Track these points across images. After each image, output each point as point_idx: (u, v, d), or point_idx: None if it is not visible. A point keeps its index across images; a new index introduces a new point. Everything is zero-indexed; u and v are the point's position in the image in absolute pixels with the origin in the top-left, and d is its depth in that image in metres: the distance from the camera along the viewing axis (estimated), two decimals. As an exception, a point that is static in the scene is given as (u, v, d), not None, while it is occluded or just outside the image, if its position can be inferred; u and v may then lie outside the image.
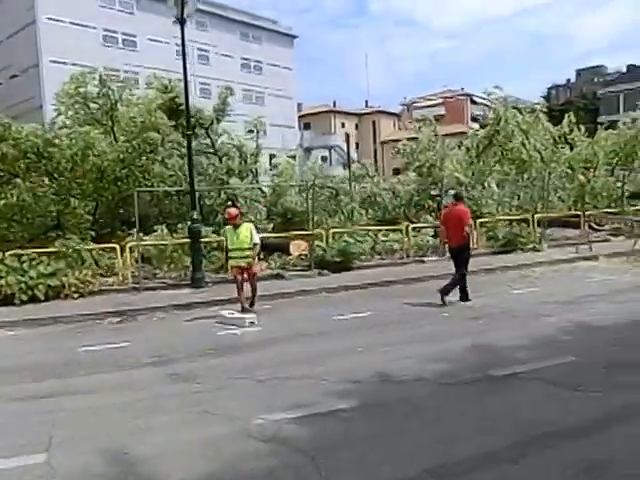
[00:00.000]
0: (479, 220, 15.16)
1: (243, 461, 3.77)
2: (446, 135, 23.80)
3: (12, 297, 10.07)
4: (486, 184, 18.33)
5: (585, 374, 5.28)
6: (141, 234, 12.10)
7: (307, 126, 55.46)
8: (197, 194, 13.62)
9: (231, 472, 3.66)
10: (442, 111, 56.05)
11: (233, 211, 9.33)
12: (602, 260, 13.42)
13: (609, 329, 6.96)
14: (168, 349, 7.01)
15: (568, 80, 74.96)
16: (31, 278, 10.28)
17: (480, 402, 4.74)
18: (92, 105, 15.22)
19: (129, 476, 3.68)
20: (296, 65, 48.64)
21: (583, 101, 59.49)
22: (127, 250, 11.74)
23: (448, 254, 9.64)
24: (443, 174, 17.37)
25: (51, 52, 31.98)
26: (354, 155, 46.53)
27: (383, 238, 14.91)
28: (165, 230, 12.80)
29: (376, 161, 47.11)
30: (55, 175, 13.35)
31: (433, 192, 17.11)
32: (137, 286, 11.25)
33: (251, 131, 18.61)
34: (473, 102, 57.64)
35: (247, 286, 9.16)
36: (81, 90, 15.02)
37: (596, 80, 66.86)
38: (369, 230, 15.20)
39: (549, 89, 71.63)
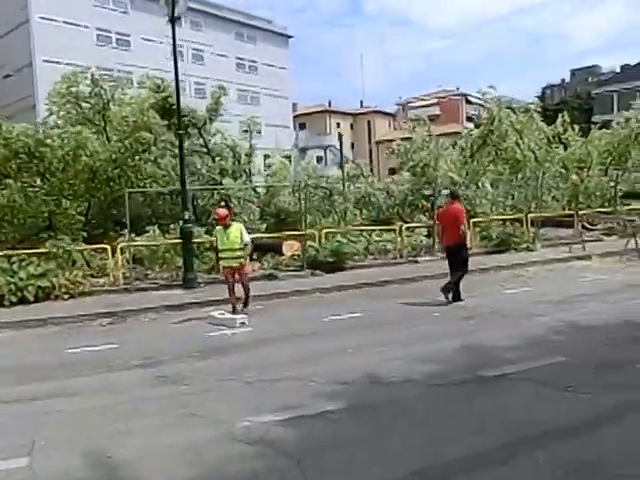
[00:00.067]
0: (473, 220, 15.15)
1: (227, 464, 3.72)
2: (441, 135, 23.82)
3: (1, 298, 9.98)
4: (480, 184, 18.32)
5: (575, 374, 5.25)
6: (133, 235, 12.04)
7: (302, 126, 55.39)
8: (190, 194, 13.57)
9: (215, 476, 3.61)
10: (437, 111, 56.12)
11: (222, 212, 9.26)
12: (595, 259, 13.44)
13: (600, 329, 6.95)
14: (157, 350, 6.95)
15: (563, 80, 75.31)
16: (21, 279, 10.19)
17: (469, 403, 4.71)
18: (84, 105, 15.10)
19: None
20: (291, 65, 48.73)
21: (577, 101, 59.74)
22: (118, 251, 11.66)
23: (442, 253, 9.62)
24: (437, 174, 17.34)
25: (44, 51, 31.83)
26: (350, 155, 46.58)
27: (377, 238, 14.88)
28: (157, 231, 12.73)
29: (371, 161, 47.12)
30: (47, 175, 13.24)
31: (426, 192, 17.09)
32: (128, 287, 11.18)
33: (246, 131, 18.54)
34: (468, 102, 57.72)
35: (239, 287, 9.11)
36: (73, 89, 14.89)
37: (590, 80, 67.15)
38: (362, 230, 15.17)
39: (544, 89, 71.93)
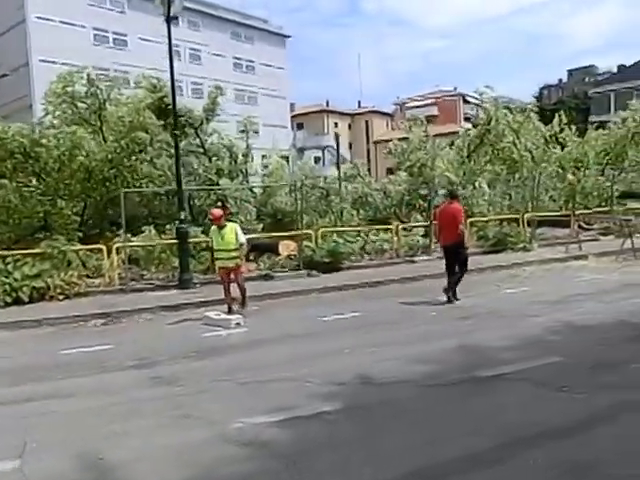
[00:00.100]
0: (470, 219, 15.15)
1: (220, 466, 3.69)
2: (439, 135, 23.84)
3: (-4, 299, 9.93)
4: (477, 184, 18.34)
5: (571, 374, 5.24)
6: (129, 235, 11.99)
7: (300, 126, 55.37)
8: (186, 194, 13.54)
9: (207, 477, 3.58)
10: (435, 111, 56.19)
11: (217, 212, 9.21)
12: (591, 259, 13.44)
13: (596, 329, 6.94)
14: (152, 351, 6.92)
15: (560, 80, 75.35)
16: (15, 280, 10.14)
17: (465, 403, 4.69)
18: (80, 105, 15.05)
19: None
20: (289, 65, 48.66)
21: (574, 101, 59.73)
22: (114, 251, 11.62)
23: (439, 252, 9.62)
24: (434, 174, 17.37)
25: (41, 51, 31.74)
26: (347, 155, 46.59)
27: (373, 238, 14.86)
28: (153, 231, 12.68)
29: (369, 161, 47.18)
30: (42, 175, 13.21)
31: (423, 191, 17.09)
32: (124, 287, 11.14)
33: (243, 131, 18.51)
34: (466, 102, 57.78)
35: (235, 287, 9.08)
36: (69, 89, 14.85)
37: (587, 80, 67.23)
38: (359, 230, 15.15)
39: (541, 89, 71.92)
